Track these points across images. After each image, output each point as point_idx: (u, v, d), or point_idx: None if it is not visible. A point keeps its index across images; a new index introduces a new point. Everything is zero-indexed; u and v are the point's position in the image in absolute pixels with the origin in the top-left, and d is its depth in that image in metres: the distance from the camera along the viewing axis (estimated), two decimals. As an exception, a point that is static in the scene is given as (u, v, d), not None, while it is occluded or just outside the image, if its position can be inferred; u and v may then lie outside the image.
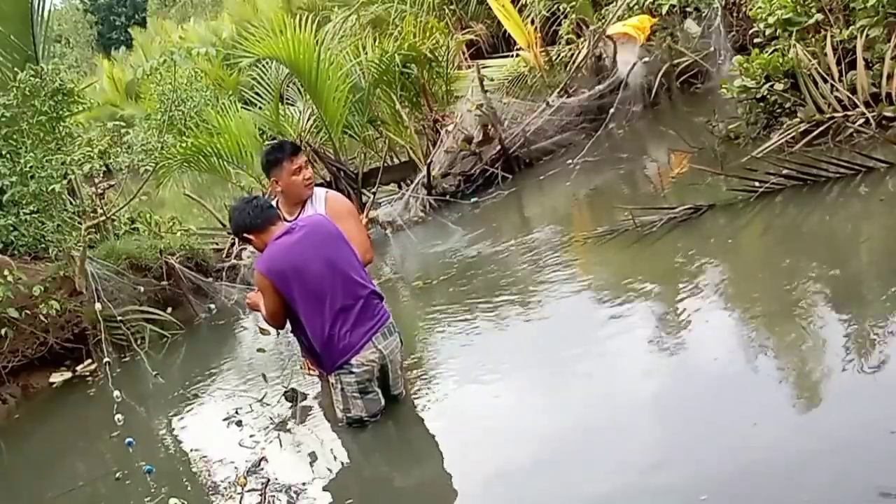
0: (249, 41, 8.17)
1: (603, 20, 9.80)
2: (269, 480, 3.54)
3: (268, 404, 4.41)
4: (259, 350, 5.27)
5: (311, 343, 3.65)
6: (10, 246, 6.53)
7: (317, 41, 8.17)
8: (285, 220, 3.90)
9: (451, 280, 5.74)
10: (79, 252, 6.14)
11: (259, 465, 3.71)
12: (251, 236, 3.68)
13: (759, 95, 6.35)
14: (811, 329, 3.50)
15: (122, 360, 6.12)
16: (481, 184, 8.25)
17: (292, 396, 4.28)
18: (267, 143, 9.61)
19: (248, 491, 3.48)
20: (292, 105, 9.66)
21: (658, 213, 5.32)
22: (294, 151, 4.04)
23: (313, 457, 3.74)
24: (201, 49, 6.90)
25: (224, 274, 7.21)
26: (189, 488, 3.89)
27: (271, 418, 4.22)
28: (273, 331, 4.14)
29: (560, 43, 10.57)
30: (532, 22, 10.71)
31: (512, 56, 10.67)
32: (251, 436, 4.11)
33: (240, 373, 5.23)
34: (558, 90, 8.94)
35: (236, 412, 4.45)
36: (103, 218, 6.99)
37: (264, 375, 4.73)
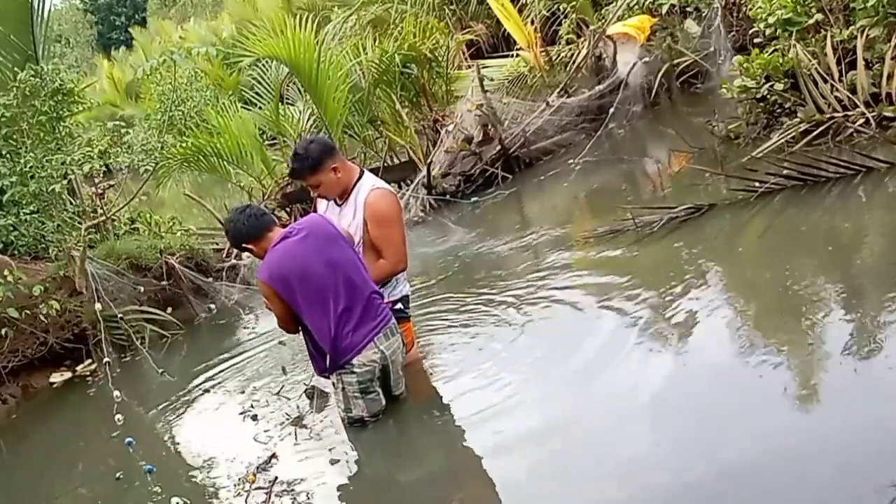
0: (249, 41, 8.17)
1: (603, 20, 9.81)
2: (276, 478, 3.54)
3: (285, 397, 4.40)
4: (280, 343, 5.28)
5: (319, 345, 3.64)
6: (10, 246, 6.54)
7: (317, 41, 8.17)
8: (336, 204, 3.95)
9: (450, 280, 5.74)
10: (79, 252, 6.14)
11: (269, 462, 3.71)
12: (250, 245, 3.69)
13: (759, 95, 6.36)
14: (811, 329, 3.51)
15: (122, 360, 6.12)
16: (481, 184, 8.24)
17: (311, 394, 4.25)
18: (267, 142, 9.69)
19: (256, 489, 3.48)
20: (292, 105, 9.66)
21: (658, 213, 5.32)
22: (296, 175, 4.06)
23: (318, 455, 3.73)
24: (201, 49, 6.89)
25: (224, 274, 7.22)
26: (191, 488, 3.89)
27: (287, 414, 4.20)
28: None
29: (560, 43, 10.58)
30: (532, 22, 10.72)
31: (512, 56, 10.67)
32: (266, 431, 4.09)
33: (241, 372, 5.22)
34: (558, 90, 8.94)
35: (251, 406, 4.45)
36: (103, 218, 6.99)
37: (283, 368, 4.76)
